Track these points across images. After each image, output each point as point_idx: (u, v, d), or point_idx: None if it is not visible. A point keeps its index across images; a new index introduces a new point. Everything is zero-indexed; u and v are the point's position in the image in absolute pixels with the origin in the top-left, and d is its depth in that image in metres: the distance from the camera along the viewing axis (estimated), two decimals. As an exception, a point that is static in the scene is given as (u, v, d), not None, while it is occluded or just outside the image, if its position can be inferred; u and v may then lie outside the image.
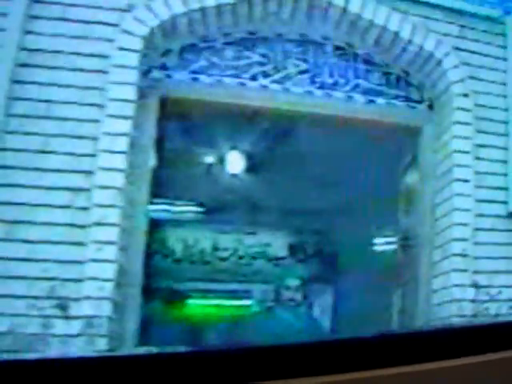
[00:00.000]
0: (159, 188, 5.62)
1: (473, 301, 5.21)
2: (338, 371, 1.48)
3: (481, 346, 1.59)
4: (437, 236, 5.61)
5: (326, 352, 1.54)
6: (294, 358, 1.50)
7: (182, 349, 1.58)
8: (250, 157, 7.36)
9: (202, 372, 1.46)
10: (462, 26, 5.81)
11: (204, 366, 1.47)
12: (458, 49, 5.76)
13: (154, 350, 1.66)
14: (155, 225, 5.81)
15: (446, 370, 1.52)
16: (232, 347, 1.61)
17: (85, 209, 4.67)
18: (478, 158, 5.55)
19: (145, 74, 5.24)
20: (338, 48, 5.87)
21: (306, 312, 9.23)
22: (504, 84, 5.78)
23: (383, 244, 8.20)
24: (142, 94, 5.15)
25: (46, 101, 4.78)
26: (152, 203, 5.44)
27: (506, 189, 5.55)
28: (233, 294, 8.92)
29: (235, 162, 7.37)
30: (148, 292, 5.24)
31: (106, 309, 4.56)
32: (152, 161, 5.30)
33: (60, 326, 4.44)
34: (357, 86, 5.82)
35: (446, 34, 5.76)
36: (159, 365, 1.46)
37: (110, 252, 4.65)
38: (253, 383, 1.44)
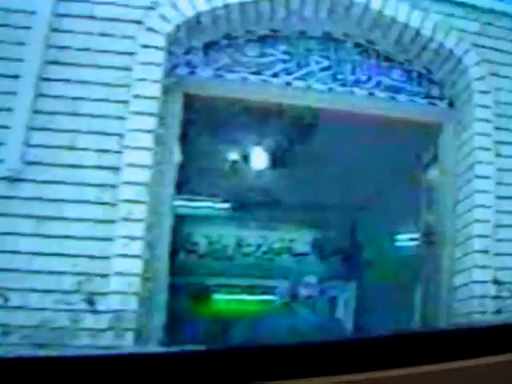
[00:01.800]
0: (184, 184, 5.69)
1: (494, 297, 5.21)
2: (353, 371, 1.50)
3: (500, 345, 1.61)
4: (458, 232, 5.61)
5: (340, 351, 1.56)
6: (304, 358, 1.53)
7: (193, 348, 1.60)
8: (273, 153, 7.39)
9: (213, 371, 1.49)
10: (484, 23, 5.80)
11: (215, 365, 1.51)
12: (478, 46, 5.75)
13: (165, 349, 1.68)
14: (180, 221, 5.85)
15: (461, 370, 1.54)
16: (246, 346, 1.64)
17: (112, 204, 4.73)
18: (498, 155, 5.54)
19: (169, 71, 5.29)
20: (359, 45, 5.89)
21: (327, 308, 9.24)
22: (525, 81, 5.78)
23: (405, 240, 8.20)
24: (167, 91, 5.20)
25: (73, 98, 4.84)
26: (177, 199, 5.48)
27: (526, 185, 5.55)
28: (256, 290, 8.95)
29: (259, 159, 7.40)
30: (173, 287, 5.28)
31: (133, 303, 4.62)
32: (177, 157, 5.34)
33: (88, 320, 4.50)
34: (378, 83, 5.84)
35: (467, 31, 5.76)
36: (172, 363, 1.49)
37: (137, 247, 4.71)
38: (267, 383, 1.47)
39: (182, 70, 5.42)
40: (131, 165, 4.81)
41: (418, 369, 1.52)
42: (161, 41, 5.14)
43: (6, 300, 4.41)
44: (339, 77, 5.78)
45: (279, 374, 1.49)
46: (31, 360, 1.57)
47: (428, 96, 5.93)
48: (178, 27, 5.24)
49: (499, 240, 5.36)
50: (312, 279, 9.09)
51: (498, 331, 1.72)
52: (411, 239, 7.47)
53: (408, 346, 1.59)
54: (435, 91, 5.96)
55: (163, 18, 5.18)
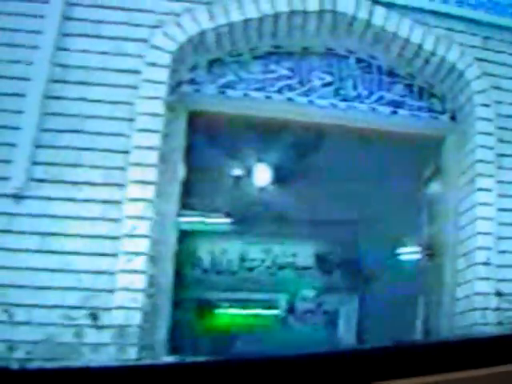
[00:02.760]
0: (188, 200, 5.72)
1: (496, 309, 5.22)
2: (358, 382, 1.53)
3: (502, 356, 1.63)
4: (460, 245, 5.63)
5: (342, 362, 1.59)
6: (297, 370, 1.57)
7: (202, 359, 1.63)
8: (276, 169, 7.42)
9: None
10: (486, 37, 5.84)
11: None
12: (480, 59, 5.79)
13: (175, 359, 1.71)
14: (184, 236, 5.87)
15: (463, 380, 1.57)
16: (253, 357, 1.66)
17: (116, 221, 4.78)
18: (500, 168, 5.57)
19: (174, 88, 5.34)
20: (361, 60, 5.93)
21: (328, 321, 9.24)
22: (527, 94, 5.81)
23: (407, 253, 8.21)
24: (171, 108, 5.25)
25: (78, 115, 4.90)
26: (181, 215, 5.52)
27: (528, 198, 5.58)
28: (260, 304, 8.96)
29: (262, 174, 7.43)
30: (177, 302, 5.32)
31: (137, 318, 4.65)
32: (181, 173, 5.39)
33: (92, 335, 4.54)
34: (380, 97, 5.87)
35: (469, 45, 5.79)
36: (178, 374, 1.52)
37: (141, 263, 4.76)
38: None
39: (187, 87, 5.47)
40: (136, 181, 4.86)
41: (421, 379, 1.55)
42: (166, 59, 5.20)
43: (11, 315, 4.46)
44: (341, 92, 5.82)
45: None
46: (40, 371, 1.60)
47: (430, 110, 5.96)
48: (182, 45, 5.29)
49: (501, 252, 5.38)
50: (312, 293, 9.10)
51: (499, 342, 1.74)
52: (413, 252, 7.48)
53: (410, 356, 1.62)
54: (437, 105, 5.98)
55: (168, 36, 5.24)
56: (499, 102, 5.73)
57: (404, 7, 5.76)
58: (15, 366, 3.96)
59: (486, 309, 5.23)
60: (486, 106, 5.70)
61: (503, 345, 1.70)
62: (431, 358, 1.60)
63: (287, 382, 1.53)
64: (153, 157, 4.96)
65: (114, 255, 4.72)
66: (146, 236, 4.81)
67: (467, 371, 1.58)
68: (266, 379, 1.53)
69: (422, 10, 5.78)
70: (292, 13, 5.60)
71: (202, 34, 5.37)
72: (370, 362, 1.59)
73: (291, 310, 9.08)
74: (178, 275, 5.39)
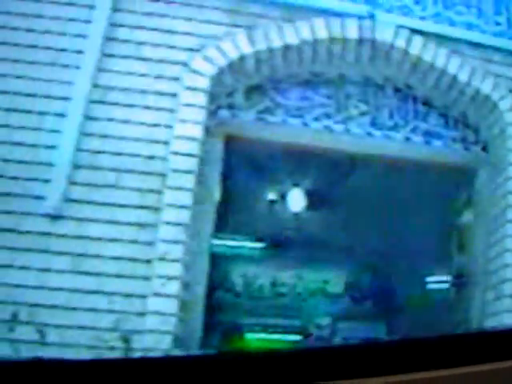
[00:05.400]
0: (222, 223, 5.71)
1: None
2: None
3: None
4: (490, 276, 5.59)
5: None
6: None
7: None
8: (310, 195, 7.41)
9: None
10: (520, 69, 5.82)
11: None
12: (514, 91, 5.78)
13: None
14: (217, 259, 5.89)
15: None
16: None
17: (150, 244, 4.78)
18: (532, 200, 5.54)
19: (212, 112, 5.35)
20: (398, 90, 5.91)
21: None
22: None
23: (437, 282, 8.17)
24: (209, 132, 5.26)
25: (117, 137, 4.92)
26: (215, 238, 5.52)
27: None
28: (290, 329, 8.92)
29: (296, 200, 7.42)
30: (208, 325, 5.30)
31: (168, 342, 4.64)
32: (216, 197, 5.39)
33: (123, 358, 4.53)
34: (415, 127, 5.85)
35: (503, 76, 5.77)
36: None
37: (174, 287, 4.75)
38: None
39: (225, 112, 5.48)
40: (172, 205, 4.86)
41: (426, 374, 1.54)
42: (205, 83, 5.21)
43: (43, 335, 4.46)
44: (377, 121, 5.81)
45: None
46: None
47: (463, 140, 5.93)
48: (222, 69, 5.30)
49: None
50: (341, 320, 9.06)
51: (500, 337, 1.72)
52: (443, 281, 7.45)
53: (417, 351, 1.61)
54: (470, 135, 5.95)
55: (208, 59, 5.25)
56: (532, 134, 5.70)
57: (441, 37, 5.76)
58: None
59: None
60: (519, 137, 5.67)
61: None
62: (437, 352, 1.59)
63: (292, 375, 1.51)
64: (189, 180, 4.97)
65: (147, 278, 4.72)
66: (179, 260, 4.81)
67: (471, 366, 1.56)
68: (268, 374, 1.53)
69: (458, 40, 5.78)
70: (331, 40, 5.59)
71: (242, 58, 5.38)
72: (378, 356, 1.58)
73: (321, 336, 9.04)
74: (210, 299, 5.38)
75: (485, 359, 1.56)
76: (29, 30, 5.00)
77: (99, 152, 4.87)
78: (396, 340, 1.71)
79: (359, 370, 1.52)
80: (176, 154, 4.98)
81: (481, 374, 1.54)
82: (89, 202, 4.76)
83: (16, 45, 4.97)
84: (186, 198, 4.93)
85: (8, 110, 4.83)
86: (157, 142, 4.98)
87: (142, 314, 4.65)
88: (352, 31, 5.63)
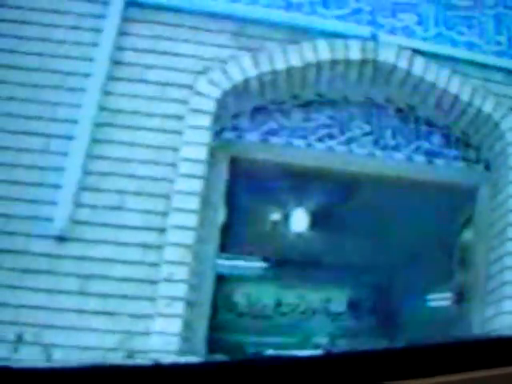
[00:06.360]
0: (226, 243, 5.75)
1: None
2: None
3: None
4: (490, 293, 5.62)
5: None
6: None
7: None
8: (313, 215, 7.44)
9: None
10: (522, 88, 5.86)
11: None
12: (516, 110, 5.81)
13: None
14: (221, 279, 5.92)
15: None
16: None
17: (155, 265, 4.82)
18: (531, 218, 5.57)
19: (217, 134, 5.40)
20: (400, 110, 5.96)
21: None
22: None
23: (438, 299, 8.19)
24: (213, 154, 5.31)
25: (123, 159, 4.97)
26: (219, 258, 5.55)
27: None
28: (292, 348, 8.92)
29: (300, 220, 7.45)
30: (212, 344, 5.33)
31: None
32: (221, 218, 5.43)
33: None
34: (418, 147, 5.88)
35: (504, 96, 5.80)
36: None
37: (178, 307, 4.78)
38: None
39: (229, 134, 5.53)
40: (177, 226, 4.90)
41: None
42: (210, 105, 5.26)
43: (49, 355, 4.51)
44: (380, 141, 5.85)
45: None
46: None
47: (465, 159, 5.96)
48: (226, 92, 5.36)
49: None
50: (342, 338, 9.06)
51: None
52: (444, 298, 7.47)
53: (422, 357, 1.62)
54: (472, 154, 5.97)
55: (213, 82, 5.30)
56: (533, 153, 5.73)
57: (443, 57, 5.80)
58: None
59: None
60: (520, 156, 5.70)
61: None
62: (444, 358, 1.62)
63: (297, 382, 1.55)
64: (194, 202, 5.01)
65: (152, 299, 4.76)
66: (184, 281, 4.84)
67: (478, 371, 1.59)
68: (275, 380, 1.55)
69: (460, 60, 5.82)
70: (334, 62, 5.64)
71: (247, 81, 5.43)
72: (381, 362, 1.60)
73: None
74: (214, 318, 5.41)
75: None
76: (36, 54, 5.06)
77: (105, 174, 4.92)
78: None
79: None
80: (181, 175, 5.03)
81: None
82: (95, 224, 4.80)
83: (23, 68, 5.04)
84: (191, 220, 4.97)
85: (16, 132, 4.88)
86: (162, 163, 5.03)
87: (146, 334, 4.69)
88: (355, 52, 5.67)
